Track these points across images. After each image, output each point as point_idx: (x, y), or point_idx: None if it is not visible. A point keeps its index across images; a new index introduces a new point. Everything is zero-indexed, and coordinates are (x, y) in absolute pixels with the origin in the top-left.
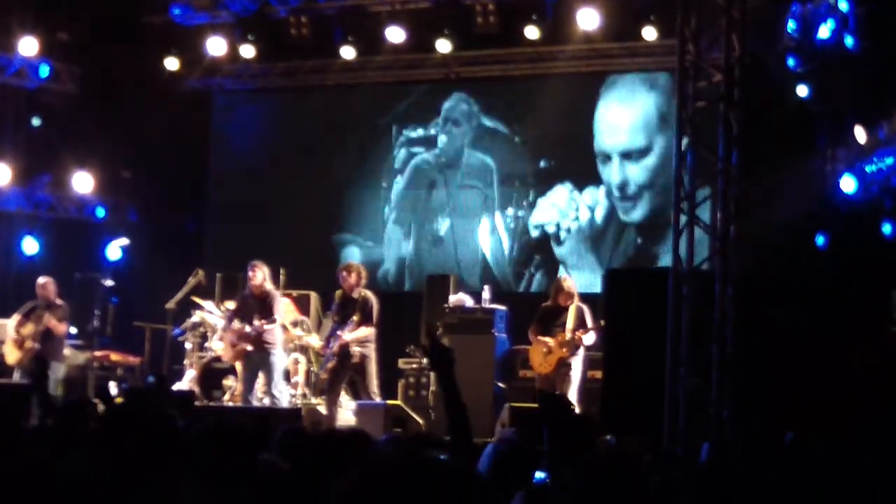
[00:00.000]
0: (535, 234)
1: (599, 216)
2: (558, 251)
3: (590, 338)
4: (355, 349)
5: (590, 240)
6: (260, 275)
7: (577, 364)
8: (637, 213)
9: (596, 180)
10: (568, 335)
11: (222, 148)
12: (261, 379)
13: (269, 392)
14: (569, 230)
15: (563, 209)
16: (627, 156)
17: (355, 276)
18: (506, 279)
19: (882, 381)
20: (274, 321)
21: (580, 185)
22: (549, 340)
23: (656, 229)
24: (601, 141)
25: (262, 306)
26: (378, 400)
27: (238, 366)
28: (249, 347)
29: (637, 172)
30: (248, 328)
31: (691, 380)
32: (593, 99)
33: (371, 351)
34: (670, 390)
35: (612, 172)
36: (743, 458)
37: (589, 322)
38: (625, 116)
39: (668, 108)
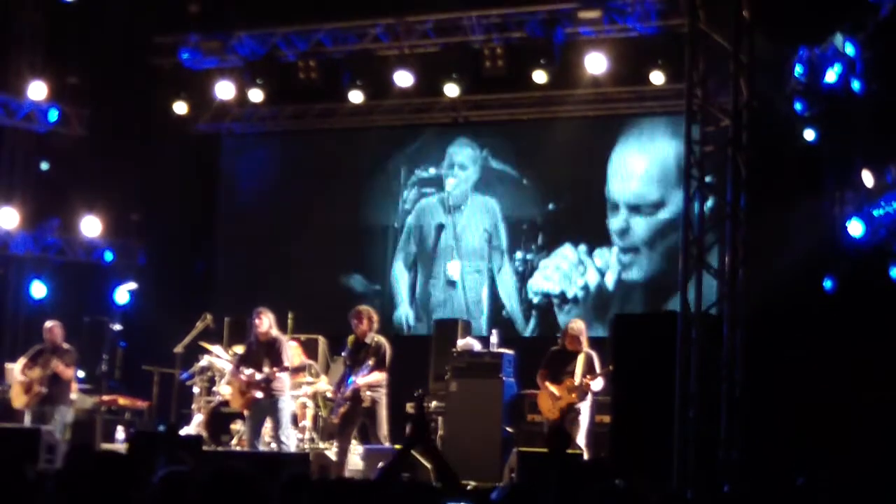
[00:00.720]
0: (536, 300)
1: (610, 281)
2: (562, 319)
3: (598, 384)
4: (366, 394)
5: (597, 308)
6: (266, 321)
7: (585, 409)
8: (639, 273)
9: (606, 241)
10: (577, 381)
11: (231, 191)
12: (268, 424)
13: (276, 437)
14: (575, 297)
15: (566, 273)
16: (637, 209)
17: (367, 321)
18: (513, 323)
19: (891, 420)
20: (286, 368)
21: (590, 247)
22: (556, 391)
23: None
24: (612, 188)
25: (269, 352)
26: (387, 444)
27: (246, 412)
28: (259, 394)
29: (645, 226)
30: (258, 375)
31: (701, 422)
32: (602, 143)
33: (382, 396)
34: (679, 432)
35: (618, 222)
36: (753, 500)
37: (597, 368)
38: (639, 164)
39: None
